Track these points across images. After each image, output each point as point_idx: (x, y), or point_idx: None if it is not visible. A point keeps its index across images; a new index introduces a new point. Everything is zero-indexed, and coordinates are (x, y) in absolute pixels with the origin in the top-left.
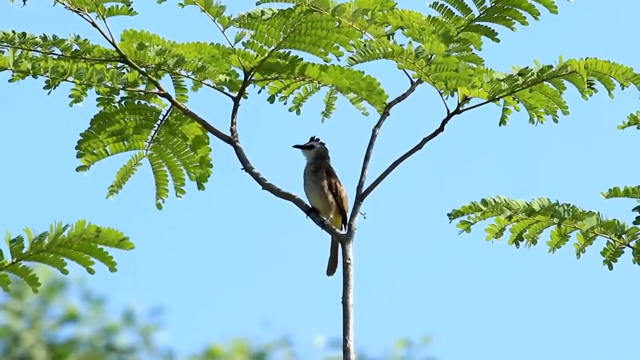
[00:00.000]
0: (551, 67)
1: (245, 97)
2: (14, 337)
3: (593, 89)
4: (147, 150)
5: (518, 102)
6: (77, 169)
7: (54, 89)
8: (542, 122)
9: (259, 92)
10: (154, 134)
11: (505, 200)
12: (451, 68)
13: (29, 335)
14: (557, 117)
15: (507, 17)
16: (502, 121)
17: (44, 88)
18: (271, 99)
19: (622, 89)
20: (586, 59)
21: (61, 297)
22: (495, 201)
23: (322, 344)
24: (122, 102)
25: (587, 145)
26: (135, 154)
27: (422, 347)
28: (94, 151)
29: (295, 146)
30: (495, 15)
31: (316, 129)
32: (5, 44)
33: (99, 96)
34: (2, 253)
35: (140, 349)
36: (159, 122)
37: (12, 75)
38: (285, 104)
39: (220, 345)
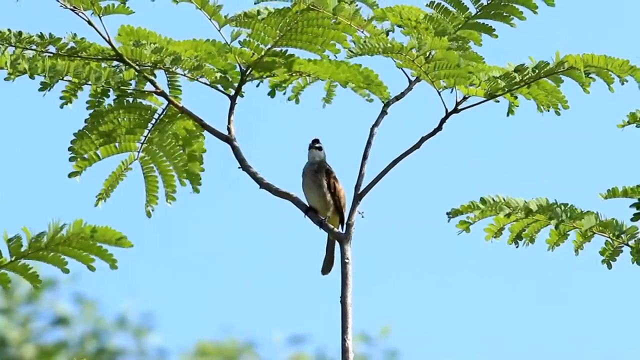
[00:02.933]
0: (548, 63)
1: (242, 96)
2: (2, 337)
3: (591, 77)
4: (138, 152)
5: (516, 97)
6: (70, 175)
7: (50, 90)
8: (548, 110)
9: (257, 85)
10: (148, 133)
11: (503, 199)
12: (452, 64)
13: (19, 336)
14: (559, 110)
15: (505, 14)
16: (510, 111)
17: (39, 90)
18: (272, 93)
19: (622, 84)
20: (582, 54)
21: (51, 298)
22: (494, 200)
23: (281, 341)
24: (116, 100)
25: (588, 143)
26: (125, 159)
27: (381, 340)
28: (85, 156)
29: (316, 146)
30: (492, 12)
31: (313, 126)
32: (1, 42)
33: (90, 98)
34: (0, 252)
35: (132, 352)
36: (153, 120)
37: (8, 74)
38: (284, 93)
39: (210, 344)
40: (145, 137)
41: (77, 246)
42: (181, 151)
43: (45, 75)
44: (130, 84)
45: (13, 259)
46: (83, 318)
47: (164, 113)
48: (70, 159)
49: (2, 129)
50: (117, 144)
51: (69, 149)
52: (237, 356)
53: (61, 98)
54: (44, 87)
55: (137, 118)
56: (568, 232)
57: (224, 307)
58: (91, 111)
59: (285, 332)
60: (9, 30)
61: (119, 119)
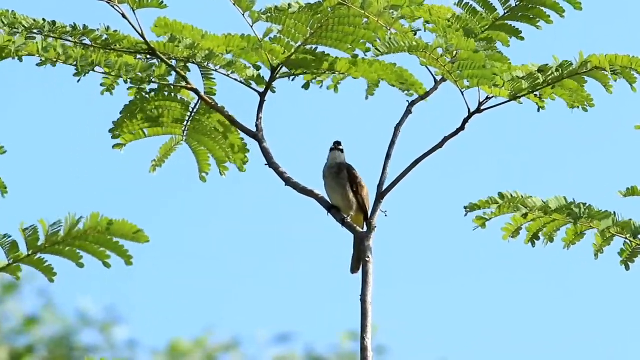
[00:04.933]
0: (571, 63)
1: (274, 91)
2: None
3: (617, 74)
4: (183, 136)
5: (540, 98)
6: (114, 147)
7: (84, 76)
8: (577, 107)
9: (292, 80)
10: (187, 123)
11: (522, 196)
12: (478, 65)
13: None
14: (587, 107)
15: (532, 16)
16: (540, 107)
17: (74, 75)
18: (306, 86)
19: None
20: (606, 55)
21: (19, 300)
22: (512, 195)
23: (266, 339)
24: (152, 93)
25: (610, 144)
26: (174, 137)
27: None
28: (132, 131)
29: (338, 148)
30: (520, 14)
31: (337, 124)
32: (36, 31)
33: (130, 85)
34: (17, 246)
35: (102, 347)
36: (189, 113)
37: (41, 60)
38: (321, 87)
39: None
40: (185, 126)
41: (93, 240)
42: (222, 138)
43: (76, 64)
44: (166, 79)
45: (30, 253)
46: (51, 317)
47: (197, 107)
48: (113, 137)
49: (23, 119)
50: (162, 128)
51: (111, 132)
52: (219, 355)
53: (102, 84)
54: (78, 74)
55: (175, 109)
56: (584, 232)
57: (224, 306)
58: (131, 98)
59: (277, 330)
60: (43, 19)
61: (159, 109)
